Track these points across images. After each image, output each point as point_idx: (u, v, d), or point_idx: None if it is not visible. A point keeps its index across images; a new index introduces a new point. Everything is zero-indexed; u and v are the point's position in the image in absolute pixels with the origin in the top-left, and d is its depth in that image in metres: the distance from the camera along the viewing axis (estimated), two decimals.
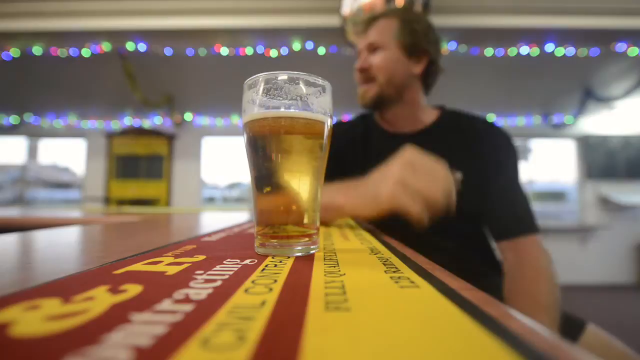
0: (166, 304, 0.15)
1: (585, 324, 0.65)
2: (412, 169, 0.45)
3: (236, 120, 3.90)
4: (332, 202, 0.54)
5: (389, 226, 0.74)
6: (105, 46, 2.52)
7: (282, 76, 0.30)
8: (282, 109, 0.30)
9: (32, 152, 4.36)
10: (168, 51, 2.58)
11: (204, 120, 3.93)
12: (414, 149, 0.47)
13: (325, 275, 0.22)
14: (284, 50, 2.55)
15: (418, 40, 0.77)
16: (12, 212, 1.39)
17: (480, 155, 0.75)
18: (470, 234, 0.76)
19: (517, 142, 0.82)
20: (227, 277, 0.21)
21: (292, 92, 0.30)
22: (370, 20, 0.81)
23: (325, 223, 0.58)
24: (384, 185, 0.45)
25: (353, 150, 0.85)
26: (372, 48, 0.78)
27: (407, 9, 0.83)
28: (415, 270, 0.23)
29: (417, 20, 0.79)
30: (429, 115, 0.83)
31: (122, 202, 3.81)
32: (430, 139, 0.80)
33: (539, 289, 0.62)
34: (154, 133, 3.93)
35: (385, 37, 0.77)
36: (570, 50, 2.52)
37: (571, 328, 0.64)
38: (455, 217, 0.75)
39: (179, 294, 0.17)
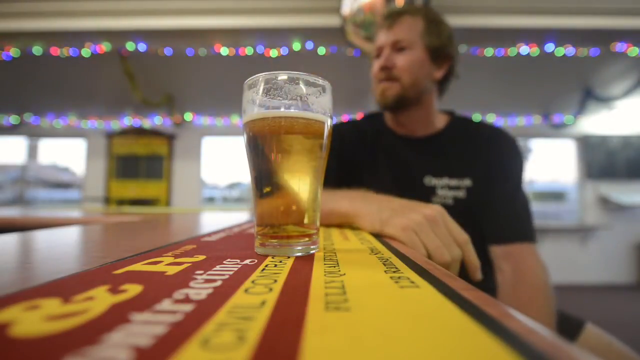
0: (166, 304, 0.15)
1: (584, 324, 0.65)
2: (431, 224, 0.44)
3: (236, 120, 3.90)
4: (338, 209, 0.54)
5: None
6: (105, 46, 2.52)
7: (282, 76, 0.30)
8: (282, 109, 0.30)
9: (32, 152, 4.36)
10: (168, 51, 2.58)
11: (204, 120, 3.93)
12: (442, 209, 0.47)
13: (325, 275, 0.22)
14: (284, 50, 2.55)
15: (443, 44, 0.75)
16: (12, 212, 1.39)
17: (487, 161, 0.75)
18: (472, 238, 0.76)
19: (518, 142, 0.81)
20: (227, 277, 0.21)
21: (292, 92, 0.30)
22: (396, 15, 0.77)
23: (322, 224, 0.58)
24: (396, 221, 0.45)
25: (363, 150, 0.84)
26: (398, 47, 0.75)
27: (431, 9, 0.80)
28: (415, 270, 0.23)
29: (442, 23, 0.77)
30: (439, 120, 0.83)
31: (122, 202, 3.81)
32: (441, 145, 0.80)
33: (534, 317, 0.59)
34: (154, 133, 3.93)
35: (412, 37, 0.75)
36: (570, 50, 2.52)
37: (570, 327, 0.64)
38: (457, 221, 0.76)
39: (179, 294, 0.17)
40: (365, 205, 0.52)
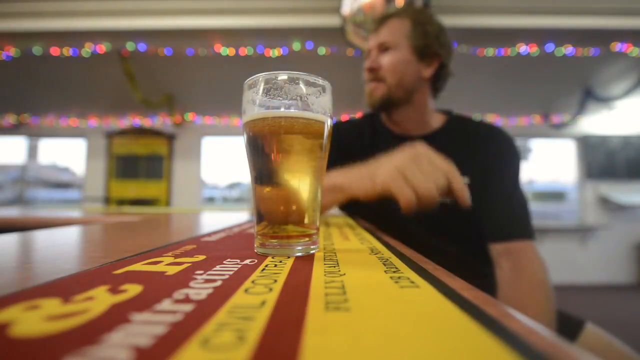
0: (166, 304, 0.15)
1: (584, 323, 0.65)
2: (415, 162, 0.45)
3: (236, 120, 3.90)
4: (333, 183, 0.56)
5: (386, 222, 0.74)
6: (105, 46, 2.52)
7: (282, 76, 0.30)
8: (282, 109, 0.30)
9: (32, 152, 4.36)
10: (168, 51, 2.58)
11: (204, 120, 3.93)
12: (424, 145, 0.48)
13: (325, 275, 0.22)
14: (284, 50, 2.55)
15: (430, 42, 0.76)
16: (12, 212, 1.39)
17: (484, 160, 0.75)
18: (471, 236, 0.76)
19: (517, 142, 0.81)
20: (227, 277, 0.21)
21: (292, 92, 0.30)
22: (382, 18, 0.79)
23: (325, 206, 0.58)
24: (383, 169, 0.47)
25: (361, 149, 0.84)
26: (383, 48, 0.77)
27: (420, 10, 0.82)
28: (415, 270, 0.23)
29: (429, 22, 0.78)
30: (436, 120, 0.83)
31: (122, 202, 3.81)
32: (437, 144, 0.80)
33: (535, 312, 0.59)
34: (154, 133, 3.93)
35: (397, 38, 0.76)
36: (570, 50, 2.52)
37: (570, 327, 0.64)
38: (458, 220, 0.76)
39: (179, 294, 0.17)
40: (356, 172, 0.54)
